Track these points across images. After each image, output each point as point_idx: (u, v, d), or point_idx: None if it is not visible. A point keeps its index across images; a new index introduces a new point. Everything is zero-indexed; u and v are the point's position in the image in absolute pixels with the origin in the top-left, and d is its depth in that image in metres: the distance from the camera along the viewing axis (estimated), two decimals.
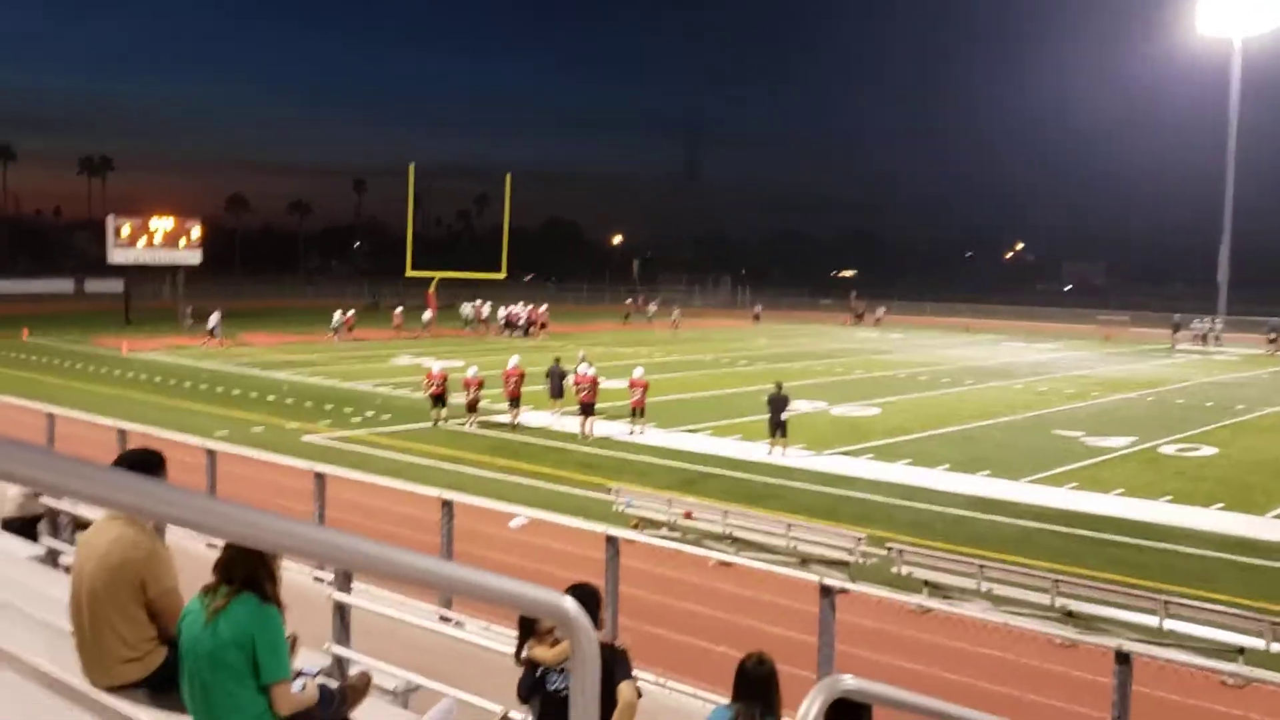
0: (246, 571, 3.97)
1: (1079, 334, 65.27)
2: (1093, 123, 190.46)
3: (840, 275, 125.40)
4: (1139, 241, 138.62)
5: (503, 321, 54.28)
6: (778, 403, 22.25)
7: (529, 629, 5.57)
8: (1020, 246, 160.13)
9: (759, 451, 22.43)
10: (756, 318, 70.06)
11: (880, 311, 73.13)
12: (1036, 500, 18.95)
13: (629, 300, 72.71)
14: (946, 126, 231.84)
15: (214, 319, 45.26)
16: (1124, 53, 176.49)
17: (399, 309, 53.47)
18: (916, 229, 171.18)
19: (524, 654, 5.49)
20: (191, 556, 6.99)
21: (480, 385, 25.43)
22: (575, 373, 24.91)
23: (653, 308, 65.19)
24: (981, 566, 12.78)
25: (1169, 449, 24.26)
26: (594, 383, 24.19)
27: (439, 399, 25.13)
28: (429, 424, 25.18)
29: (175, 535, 7.44)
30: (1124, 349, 54.64)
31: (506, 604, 1.90)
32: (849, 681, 2.55)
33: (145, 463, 4.60)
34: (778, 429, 22.22)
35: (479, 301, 56.75)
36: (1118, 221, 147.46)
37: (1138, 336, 63.94)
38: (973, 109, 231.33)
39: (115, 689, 4.30)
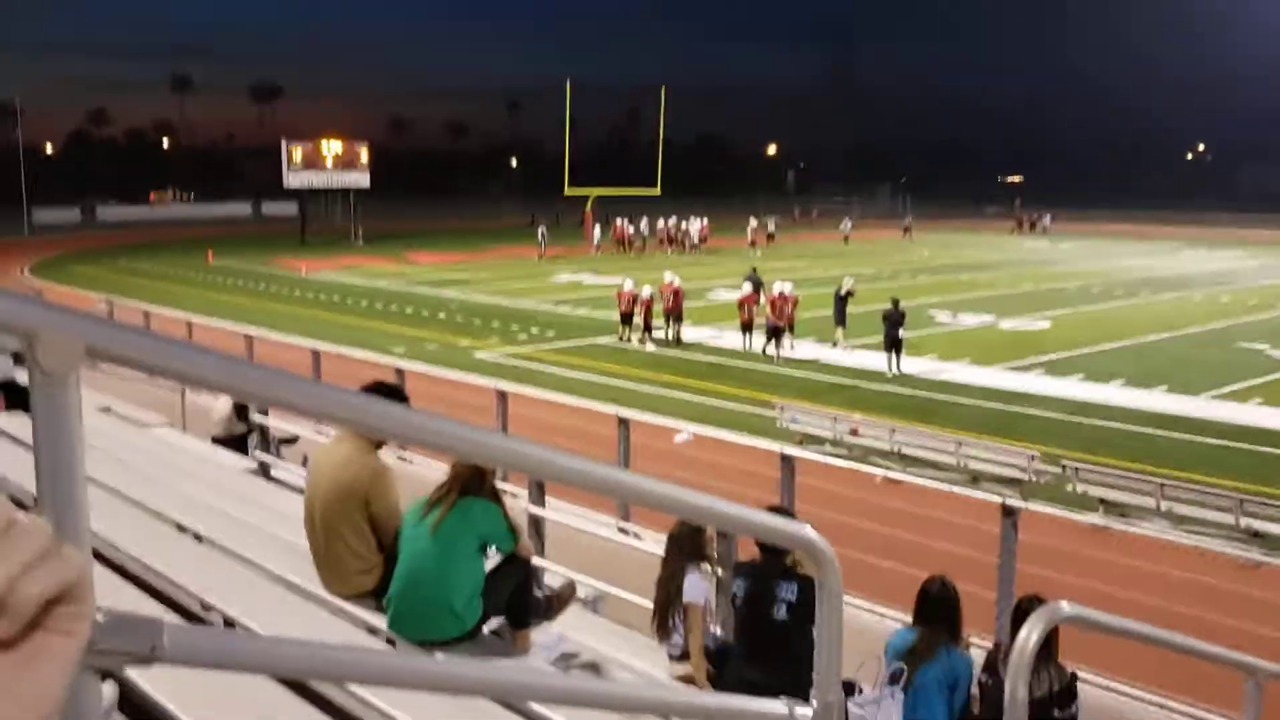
0: (467, 482, 4.49)
1: (1265, 241, 61.50)
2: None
3: (1006, 181, 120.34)
4: None
5: (697, 238, 53.98)
6: (894, 319, 21.54)
7: (687, 548, 5.69)
8: (1201, 148, 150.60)
9: (923, 366, 22.15)
10: (906, 230, 63.07)
11: (1046, 219, 70.01)
12: (1218, 416, 18.21)
13: (797, 212, 71.41)
14: (1114, 20, 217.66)
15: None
16: None
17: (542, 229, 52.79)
18: (1087, 131, 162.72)
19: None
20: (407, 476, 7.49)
21: (649, 303, 25.66)
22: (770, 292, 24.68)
23: (848, 224, 62.43)
24: (1161, 485, 12.45)
25: None
26: (752, 301, 24.17)
27: (627, 317, 25.57)
28: (616, 339, 25.75)
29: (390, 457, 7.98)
30: None
31: (754, 534, 2.05)
32: (1067, 609, 2.60)
33: (392, 392, 5.04)
34: (894, 346, 21.58)
35: (674, 219, 55.55)
36: None
37: None
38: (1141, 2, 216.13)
39: (352, 597, 4.72)
